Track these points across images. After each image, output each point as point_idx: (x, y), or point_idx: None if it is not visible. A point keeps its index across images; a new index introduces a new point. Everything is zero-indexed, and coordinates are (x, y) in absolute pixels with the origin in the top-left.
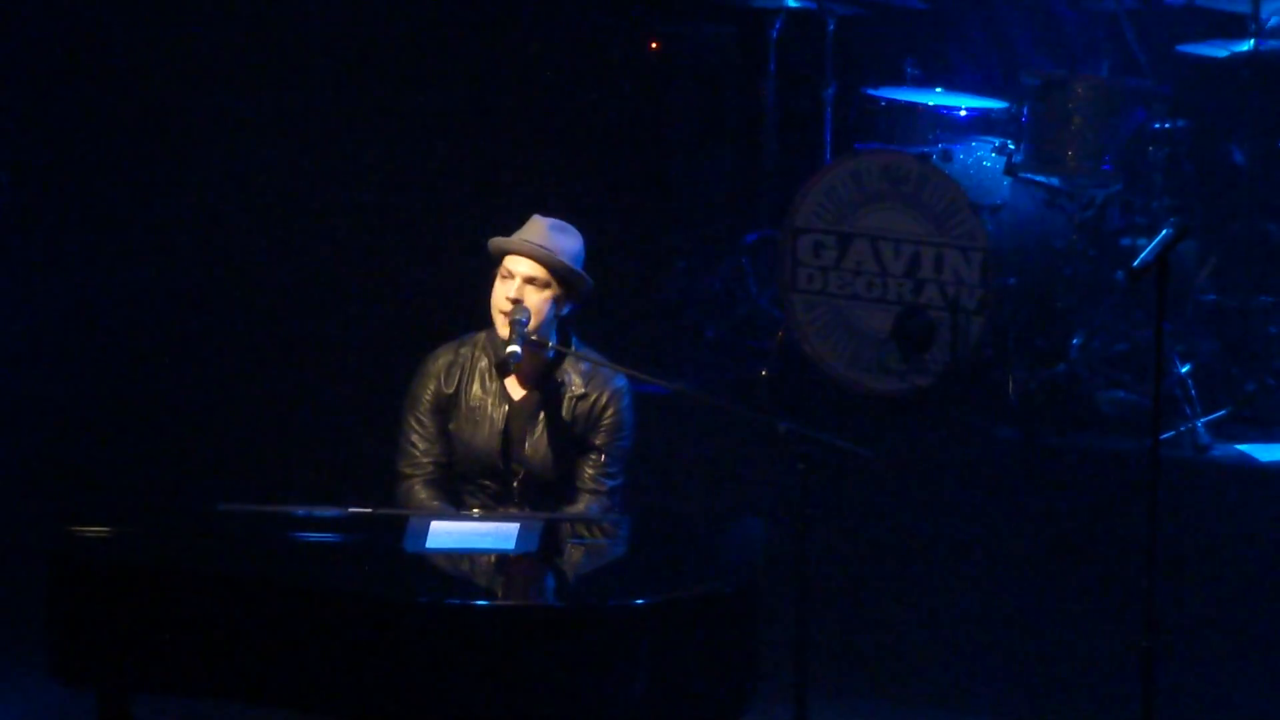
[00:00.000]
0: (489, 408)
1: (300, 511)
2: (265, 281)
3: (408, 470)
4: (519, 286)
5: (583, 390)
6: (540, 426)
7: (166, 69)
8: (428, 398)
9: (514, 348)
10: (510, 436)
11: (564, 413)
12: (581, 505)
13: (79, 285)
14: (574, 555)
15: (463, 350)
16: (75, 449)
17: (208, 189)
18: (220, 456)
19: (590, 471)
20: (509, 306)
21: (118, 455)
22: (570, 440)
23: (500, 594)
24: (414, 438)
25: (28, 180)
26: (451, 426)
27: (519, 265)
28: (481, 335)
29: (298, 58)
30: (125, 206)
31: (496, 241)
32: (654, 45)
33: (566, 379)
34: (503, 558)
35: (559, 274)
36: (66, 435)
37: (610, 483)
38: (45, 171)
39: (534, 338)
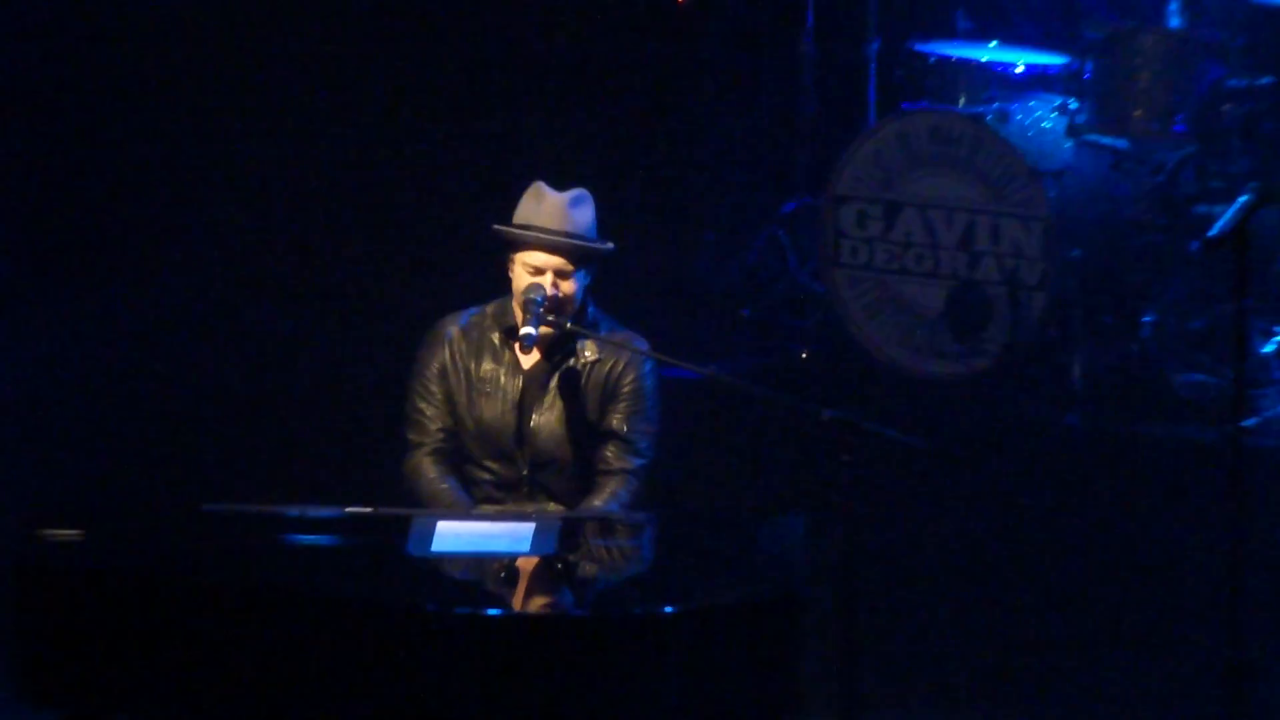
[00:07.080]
0: (501, 379)
1: (293, 511)
2: (262, 276)
3: (415, 438)
4: (553, 282)
5: (597, 356)
6: (552, 396)
7: (169, 51)
8: (434, 365)
9: (528, 329)
10: (524, 409)
11: (579, 382)
12: (607, 488)
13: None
14: (596, 558)
15: (472, 320)
16: (54, 449)
17: (206, 181)
18: (215, 457)
19: (614, 450)
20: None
21: (96, 457)
22: (585, 413)
23: (515, 602)
24: (420, 404)
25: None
26: (459, 402)
27: (543, 259)
28: (492, 306)
29: (321, 16)
30: (127, 207)
31: (517, 234)
32: None
33: (580, 344)
34: (517, 561)
35: (588, 256)
36: (47, 435)
37: (638, 461)
38: (36, 177)
39: (550, 318)
